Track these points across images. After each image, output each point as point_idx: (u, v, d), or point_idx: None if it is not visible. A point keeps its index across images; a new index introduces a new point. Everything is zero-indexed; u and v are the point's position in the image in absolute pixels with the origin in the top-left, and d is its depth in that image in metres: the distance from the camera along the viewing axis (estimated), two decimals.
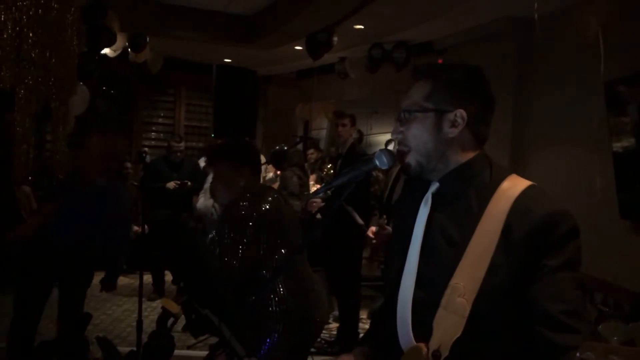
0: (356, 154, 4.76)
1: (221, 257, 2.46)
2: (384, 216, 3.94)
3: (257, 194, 2.64)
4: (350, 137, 4.95)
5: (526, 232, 1.27)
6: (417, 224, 1.45)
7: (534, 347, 1.25)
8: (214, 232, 2.67)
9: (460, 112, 1.39)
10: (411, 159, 1.44)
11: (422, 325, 1.34)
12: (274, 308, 2.50)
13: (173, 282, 5.91)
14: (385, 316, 1.52)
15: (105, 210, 3.54)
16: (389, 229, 3.41)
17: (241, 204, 2.56)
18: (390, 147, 5.67)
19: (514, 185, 1.35)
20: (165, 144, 6.94)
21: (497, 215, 1.31)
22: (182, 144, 6.44)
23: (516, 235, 1.28)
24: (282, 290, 2.53)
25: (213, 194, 2.86)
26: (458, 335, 1.28)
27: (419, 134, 1.42)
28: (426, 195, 1.47)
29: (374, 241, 3.73)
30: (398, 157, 1.49)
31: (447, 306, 1.30)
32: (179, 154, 6.29)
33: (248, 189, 2.65)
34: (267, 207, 2.57)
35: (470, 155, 1.42)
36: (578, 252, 1.30)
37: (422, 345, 1.33)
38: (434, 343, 1.31)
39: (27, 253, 3.53)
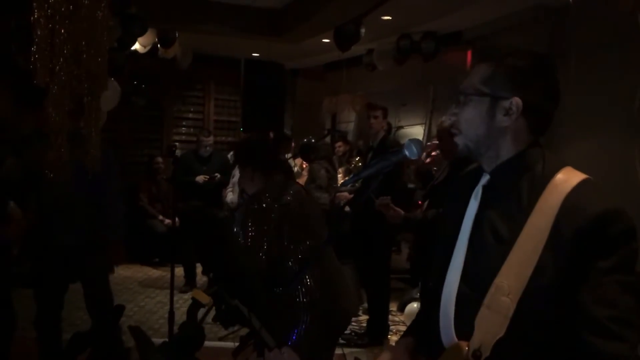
0: (387, 146, 4.74)
1: (247, 249, 2.48)
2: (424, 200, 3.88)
3: (279, 187, 2.66)
4: (382, 129, 4.95)
5: (576, 231, 1.21)
6: (466, 218, 1.41)
7: (576, 353, 1.20)
8: (238, 227, 2.70)
9: (516, 101, 1.33)
10: (460, 141, 1.41)
11: (465, 322, 1.31)
12: (301, 299, 2.52)
13: (203, 272, 5.99)
14: (429, 308, 1.50)
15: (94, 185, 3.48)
16: (398, 209, 3.37)
17: (263, 197, 2.60)
18: None
19: (568, 179, 1.28)
20: (195, 139, 7.04)
21: (548, 211, 1.25)
22: (211, 138, 6.54)
23: (565, 233, 1.22)
24: (309, 281, 2.54)
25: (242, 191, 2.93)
26: (500, 335, 1.24)
27: (470, 119, 1.38)
28: (476, 188, 1.43)
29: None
30: (450, 137, 1.46)
31: (491, 305, 1.26)
32: (208, 148, 6.39)
33: (268, 183, 2.68)
34: (289, 199, 2.60)
35: (523, 146, 1.36)
36: (633, 255, 1.22)
37: (463, 343, 1.30)
38: (475, 342, 1.27)
39: (32, 251, 3.54)
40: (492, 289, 1.27)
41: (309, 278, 2.54)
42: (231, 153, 7.76)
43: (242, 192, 2.88)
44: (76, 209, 3.50)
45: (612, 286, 1.19)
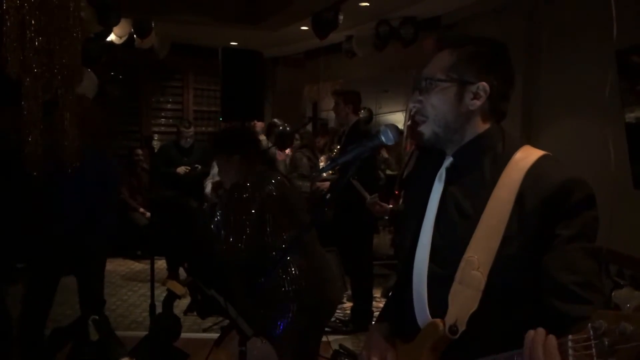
0: (359, 132, 4.74)
1: (226, 239, 2.47)
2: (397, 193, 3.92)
3: (259, 177, 2.65)
4: (348, 115, 4.91)
5: (539, 201, 1.25)
6: (431, 199, 1.44)
7: (545, 318, 1.23)
8: (218, 216, 2.69)
9: (483, 85, 1.37)
10: (426, 129, 1.42)
11: (438, 300, 1.34)
12: (287, 288, 2.52)
13: (169, 265, 5.92)
14: (401, 291, 1.51)
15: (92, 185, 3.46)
16: (384, 205, 3.40)
17: (244, 187, 2.58)
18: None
19: (528, 155, 1.33)
20: (175, 130, 6.98)
21: (510, 185, 1.29)
22: (192, 129, 6.50)
23: (529, 204, 1.26)
24: (294, 271, 2.54)
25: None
26: (474, 309, 1.27)
27: (439, 105, 1.40)
28: (440, 170, 1.45)
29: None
30: (413, 126, 1.47)
31: (462, 280, 1.29)
32: (188, 139, 6.35)
33: (249, 173, 2.67)
34: (271, 188, 2.58)
35: (485, 127, 1.40)
36: (593, 221, 1.27)
37: (438, 320, 1.32)
38: (450, 318, 1.30)
39: (27, 244, 3.50)
40: (462, 264, 1.30)
41: (293, 267, 2.54)
42: None
43: (216, 188, 2.86)
44: (65, 200, 3.44)
45: (576, 252, 1.23)
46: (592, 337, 0.95)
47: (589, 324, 0.96)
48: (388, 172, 6.06)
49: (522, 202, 1.27)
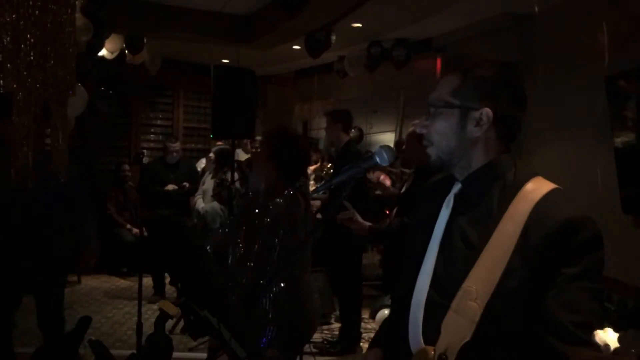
0: (350, 153, 4.74)
1: (234, 253, 2.46)
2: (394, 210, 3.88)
3: (277, 192, 2.62)
4: (339, 134, 4.92)
5: (543, 237, 1.23)
6: (437, 226, 1.42)
7: (540, 356, 1.21)
8: (224, 229, 2.66)
9: (486, 112, 1.34)
10: (432, 152, 1.42)
11: (433, 328, 1.31)
12: (266, 307, 2.49)
13: (170, 283, 5.89)
14: (397, 317, 1.49)
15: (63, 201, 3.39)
16: (363, 222, 3.35)
17: (259, 198, 2.56)
18: None
19: (538, 188, 1.31)
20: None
21: (517, 218, 1.27)
22: (178, 144, 6.42)
23: (534, 239, 1.24)
24: (275, 289, 2.52)
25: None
26: (467, 339, 1.25)
27: (442, 131, 1.39)
28: (448, 197, 1.43)
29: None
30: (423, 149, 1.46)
31: (458, 309, 1.27)
32: (174, 153, 6.27)
33: (279, 188, 2.63)
34: (280, 201, 2.56)
35: (494, 154, 1.38)
36: (599, 262, 1.25)
37: (429, 348, 1.30)
38: (441, 346, 1.28)
39: None
40: (460, 293, 1.28)
41: (275, 287, 2.51)
42: (202, 160, 7.68)
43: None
44: (40, 219, 3.38)
45: (578, 293, 1.21)
46: None
47: None
48: (377, 192, 6.05)
49: (527, 236, 1.24)
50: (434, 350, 1.29)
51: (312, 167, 6.95)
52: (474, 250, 1.30)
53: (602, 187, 4.03)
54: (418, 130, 1.50)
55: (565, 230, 1.22)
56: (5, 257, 3.32)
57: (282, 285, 2.52)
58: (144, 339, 3.76)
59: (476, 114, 1.35)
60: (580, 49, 4.57)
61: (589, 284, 1.22)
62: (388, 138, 8.04)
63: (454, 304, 1.28)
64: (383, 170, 5.56)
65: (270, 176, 2.64)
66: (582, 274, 1.21)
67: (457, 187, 1.42)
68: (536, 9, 3.98)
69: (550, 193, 1.30)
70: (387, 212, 5.20)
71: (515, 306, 1.24)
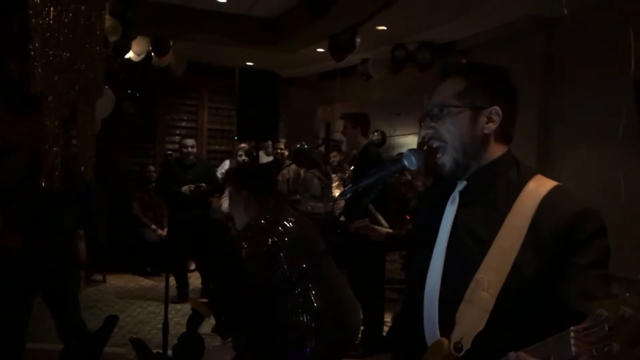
0: (369, 156, 4.73)
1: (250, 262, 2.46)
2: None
3: (273, 213, 2.63)
4: (357, 137, 4.91)
5: (554, 229, 1.28)
6: (444, 223, 1.45)
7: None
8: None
9: (496, 109, 1.41)
10: (446, 158, 1.44)
11: (448, 320, 1.34)
12: (304, 320, 2.47)
13: (202, 283, 5.92)
14: (408, 316, 1.51)
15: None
16: (379, 229, 3.32)
17: (258, 224, 2.56)
18: None
19: (541, 185, 1.37)
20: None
21: (524, 213, 1.32)
22: (192, 141, 6.38)
23: (544, 232, 1.29)
24: (315, 302, 2.50)
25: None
26: (480, 328, 1.29)
27: (454, 129, 1.42)
28: (453, 193, 1.46)
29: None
30: (428, 153, 1.47)
31: (471, 300, 1.31)
32: (190, 149, 6.26)
33: (261, 210, 2.65)
34: (290, 225, 2.57)
35: (498, 153, 1.43)
36: (607, 251, 1.31)
37: (444, 339, 1.33)
38: (456, 336, 1.31)
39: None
40: (472, 284, 1.32)
41: (313, 298, 2.50)
42: (227, 161, 7.73)
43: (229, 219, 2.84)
44: (62, 224, 3.33)
45: (592, 280, 1.26)
46: (592, 326, 0.96)
47: (590, 314, 0.97)
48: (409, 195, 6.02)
49: (537, 229, 1.29)
50: (449, 340, 1.32)
51: (334, 164, 6.94)
52: (482, 244, 1.34)
53: (630, 193, 3.96)
54: (423, 133, 1.51)
55: (575, 222, 1.28)
56: (26, 255, 3.17)
57: (318, 296, 2.51)
58: (169, 338, 3.80)
59: (486, 112, 1.42)
60: (607, 52, 4.51)
61: (602, 271, 1.28)
62: (411, 141, 8.02)
63: (467, 295, 1.32)
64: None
65: (250, 202, 2.70)
66: (595, 263, 1.27)
67: (462, 184, 1.46)
68: (565, 11, 3.93)
69: (555, 188, 1.35)
70: (407, 217, 5.18)
71: (526, 296, 1.28)
